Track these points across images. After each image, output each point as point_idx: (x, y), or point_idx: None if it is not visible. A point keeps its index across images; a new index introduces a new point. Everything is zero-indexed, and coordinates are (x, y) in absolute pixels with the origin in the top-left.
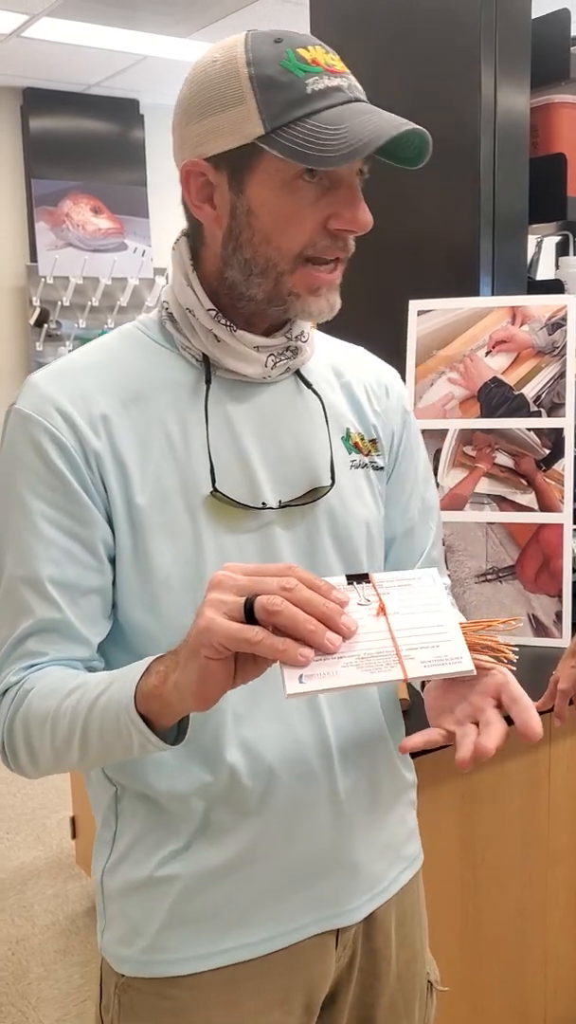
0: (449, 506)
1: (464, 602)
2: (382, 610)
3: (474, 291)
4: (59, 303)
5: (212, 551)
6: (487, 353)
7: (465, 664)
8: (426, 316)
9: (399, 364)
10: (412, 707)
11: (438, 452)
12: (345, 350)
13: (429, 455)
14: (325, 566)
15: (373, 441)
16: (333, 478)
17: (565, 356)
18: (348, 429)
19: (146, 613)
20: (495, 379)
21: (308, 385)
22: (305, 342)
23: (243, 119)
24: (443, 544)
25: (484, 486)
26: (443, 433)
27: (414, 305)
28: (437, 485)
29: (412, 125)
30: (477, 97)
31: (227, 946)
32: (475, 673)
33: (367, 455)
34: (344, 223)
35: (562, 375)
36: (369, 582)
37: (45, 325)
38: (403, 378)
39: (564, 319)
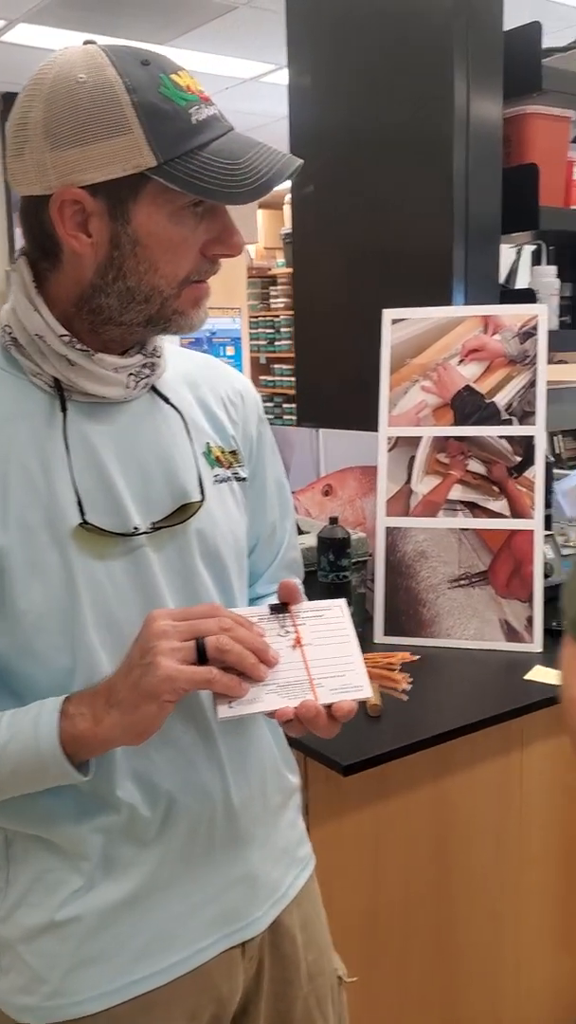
0: (423, 512)
1: (438, 608)
2: (298, 641)
3: (447, 300)
4: None
5: (84, 583)
6: (460, 362)
7: (365, 692)
8: (400, 325)
9: (374, 372)
10: (384, 713)
11: (412, 459)
12: (195, 361)
13: (403, 462)
14: (198, 585)
15: (234, 452)
16: (203, 493)
17: (536, 365)
18: (208, 444)
19: (20, 658)
20: (468, 387)
21: (166, 400)
22: (159, 357)
23: (131, 149)
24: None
25: (457, 493)
26: (417, 440)
27: (388, 314)
28: (411, 492)
29: (299, 160)
30: (450, 107)
31: (136, 977)
32: (371, 697)
33: (229, 467)
34: (224, 249)
35: (533, 384)
36: (288, 612)
37: None
38: (378, 386)
39: (535, 328)
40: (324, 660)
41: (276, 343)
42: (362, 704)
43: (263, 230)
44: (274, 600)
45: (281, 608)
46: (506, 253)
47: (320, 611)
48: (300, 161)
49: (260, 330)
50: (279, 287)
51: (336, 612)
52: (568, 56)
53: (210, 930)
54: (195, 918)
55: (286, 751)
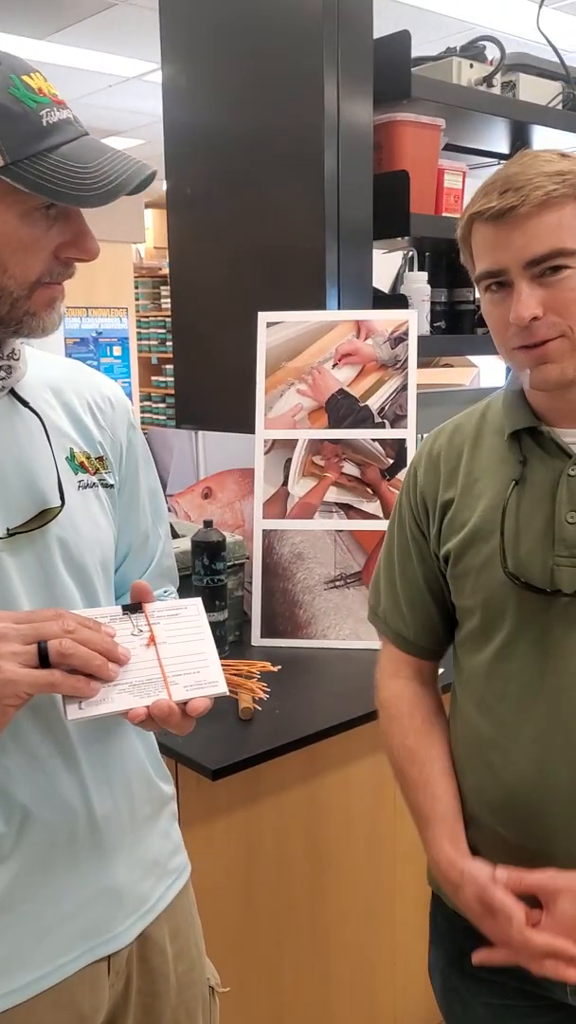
0: (299, 515)
1: (314, 609)
2: (152, 640)
3: (322, 303)
4: None
5: None
6: (334, 365)
7: (220, 688)
8: (275, 328)
9: (251, 375)
10: (255, 716)
11: (288, 461)
12: (61, 366)
13: (280, 464)
14: (60, 592)
15: (100, 458)
16: (62, 497)
17: (407, 369)
18: (72, 449)
19: None
20: (341, 391)
21: (25, 404)
22: (17, 360)
23: None
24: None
25: (332, 495)
26: (293, 443)
27: (263, 317)
28: (288, 494)
29: (151, 169)
30: (321, 111)
31: None
32: (227, 693)
33: (95, 473)
34: (78, 252)
35: (404, 388)
36: (142, 612)
37: None
38: (252, 388)
39: (406, 333)
40: (179, 658)
41: (167, 343)
42: (234, 708)
43: (154, 230)
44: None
45: (134, 608)
46: (392, 259)
47: (175, 610)
48: (152, 169)
49: (152, 330)
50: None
51: (192, 611)
52: (439, 65)
53: (71, 946)
54: (55, 934)
55: (157, 760)
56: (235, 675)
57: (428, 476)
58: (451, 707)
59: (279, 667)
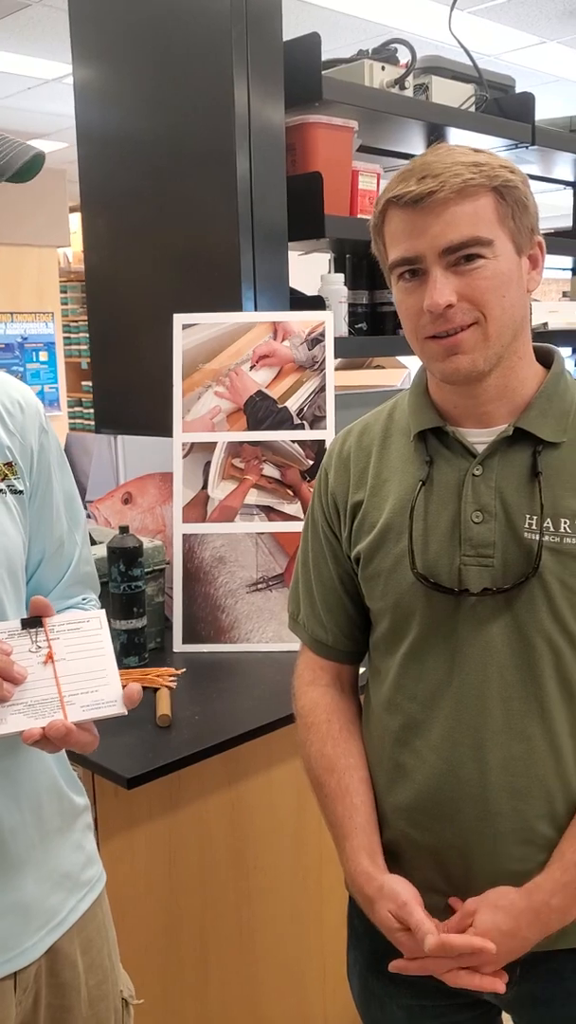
0: (220, 518)
1: (237, 613)
2: (50, 657)
3: (238, 305)
4: None
5: None
6: (252, 367)
7: (117, 708)
8: (191, 330)
9: (164, 377)
10: (175, 722)
11: (208, 464)
12: None
13: (199, 467)
14: None
15: (9, 464)
16: None
17: (325, 370)
18: None
19: None
20: (260, 393)
21: None
22: None
23: None
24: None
25: (253, 497)
26: (212, 446)
27: (179, 319)
28: (208, 498)
29: (35, 150)
30: (231, 114)
31: None
32: (126, 714)
33: (3, 479)
34: None
35: (323, 389)
36: (42, 626)
37: None
38: (171, 391)
39: (323, 335)
40: (77, 676)
41: None
42: (151, 715)
43: (81, 234)
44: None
45: (33, 622)
46: (323, 260)
47: (77, 624)
48: (36, 151)
49: (81, 335)
50: None
51: (94, 624)
52: (351, 68)
53: None
54: None
55: (69, 772)
56: (143, 680)
57: (338, 478)
58: (364, 708)
59: (183, 670)
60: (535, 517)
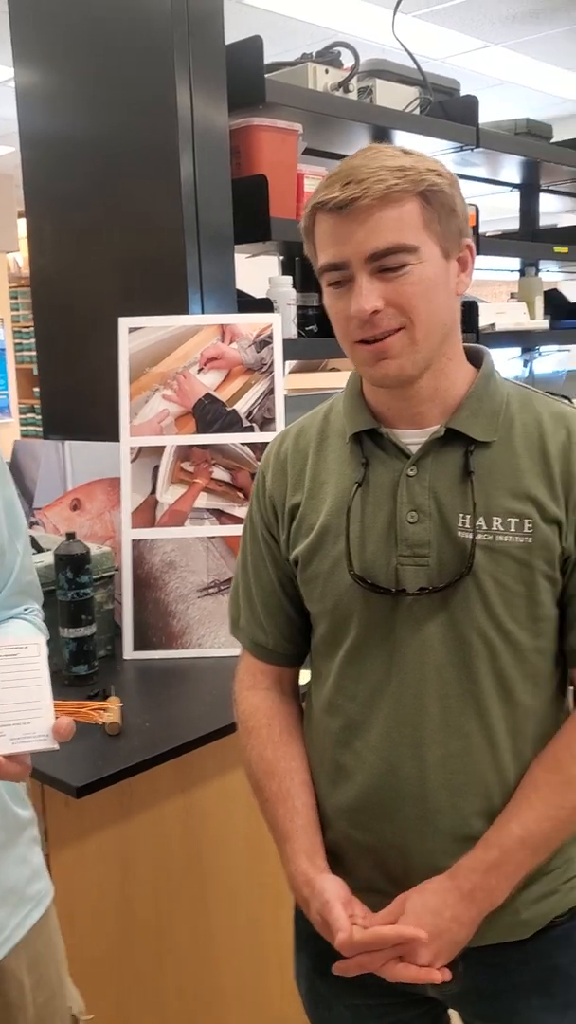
0: (170, 522)
1: (188, 618)
2: None
3: (185, 308)
4: None
5: None
6: (200, 370)
7: (48, 743)
8: (138, 333)
9: (111, 381)
10: (125, 730)
11: (156, 468)
12: None
13: (148, 472)
14: None
15: None
16: None
17: (273, 373)
18: None
19: None
20: (208, 395)
21: None
22: None
23: None
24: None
25: (203, 501)
26: (160, 450)
27: (124, 322)
28: (157, 502)
29: None
30: (174, 117)
31: None
32: (57, 749)
33: None
34: None
35: (271, 391)
36: None
37: None
38: (117, 395)
39: (271, 337)
40: (10, 706)
41: None
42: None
43: None
44: (5, 628)
45: None
46: (273, 263)
47: (14, 650)
48: None
49: (34, 340)
50: None
51: (32, 651)
52: (295, 71)
53: None
54: None
55: (12, 786)
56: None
57: (276, 480)
58: (306, 711)
59: (121, 704)
60: (468, 516)
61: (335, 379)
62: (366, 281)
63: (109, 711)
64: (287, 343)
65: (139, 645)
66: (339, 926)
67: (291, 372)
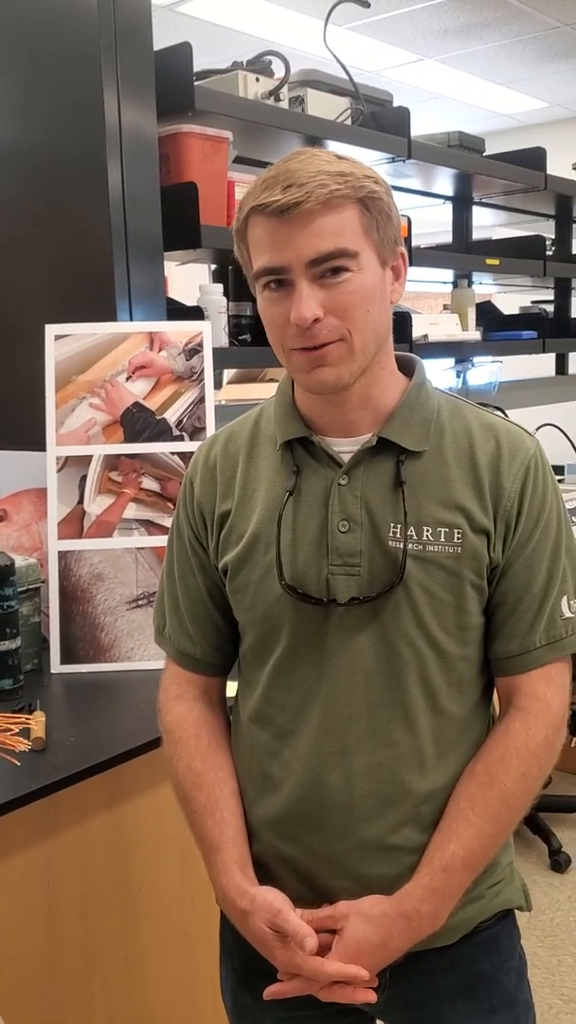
0: (97, 533)
1: (117, 631)
2: None
3: (112, 316)
4: None
5: None
6: (128, 378)
7: None
8: (64, 341)
9: (38, 389)
10: (50, 745)
11: (83, 479)
12: None
13: (75, 482)
14: None
15: None
16: None
17: (204, 381)
18: None
19: None
20: (137, 404)
21: None
22: None
23: None
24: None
25: (132, 511)
26: (88, 459)
27: (51, 329)
28: (84, 513)
29: None
30: (102, 123)
31: None
32: (36, 730)
33: None
34: None
35: (202, 400)
36: None
37: None
38: (44, 404)
39: (200, 345)
40: None
41: None
42: (25, 739)
43: None
44: None
45: None
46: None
47: None
48: None
49: None
50: None
51: None
52: (225, 79)
53: None
54: None
55: None
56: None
57: (205, 487)
58: (234, 721)
59: (40, 736)
60: (399, 526)
61: (273, 390)
62: (307, 287)
63: (33, 728)
64: (218, 352)
65: (67, 658)
66: (304, 931)
67: (229, 383)
